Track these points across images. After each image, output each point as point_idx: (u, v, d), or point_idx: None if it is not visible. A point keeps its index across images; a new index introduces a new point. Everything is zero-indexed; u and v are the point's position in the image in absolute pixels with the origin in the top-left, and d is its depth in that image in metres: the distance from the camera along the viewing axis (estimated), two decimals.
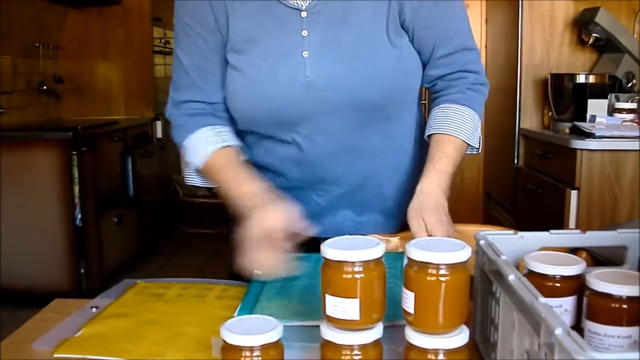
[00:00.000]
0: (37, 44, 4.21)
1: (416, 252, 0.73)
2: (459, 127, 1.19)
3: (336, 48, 1.15)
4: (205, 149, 1.20)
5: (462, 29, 1.23)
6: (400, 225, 1.32)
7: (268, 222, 1.05)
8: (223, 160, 1.20)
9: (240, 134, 1.28)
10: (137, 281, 1.21)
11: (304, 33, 1.15)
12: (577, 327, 0.80)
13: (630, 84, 2.92)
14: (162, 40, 5.14)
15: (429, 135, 1.22)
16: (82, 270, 3.56)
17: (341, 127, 1.19)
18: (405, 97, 1.23)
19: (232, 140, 1.23)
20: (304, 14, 1.15)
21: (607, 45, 3.06)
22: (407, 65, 1.20)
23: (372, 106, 1.18)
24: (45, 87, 4.31)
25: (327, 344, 0.76)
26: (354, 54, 1.15)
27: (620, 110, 2.79)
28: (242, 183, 1.16)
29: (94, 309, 1.09)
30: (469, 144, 1.22)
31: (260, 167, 1.28)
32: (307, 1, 1.15)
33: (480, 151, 1.27)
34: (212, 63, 1.21)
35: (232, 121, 1.26)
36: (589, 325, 0.77)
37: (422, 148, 1.29)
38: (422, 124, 1.32)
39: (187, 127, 1.23)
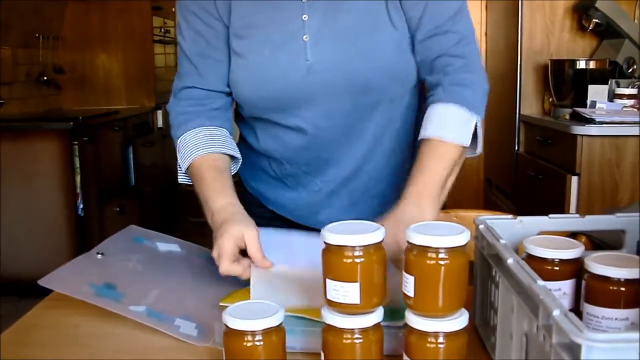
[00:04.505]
0: (37, 35, 4.20)
1: (416, 236, 0.73)
2: (444, 128, 1.12)
3: (336, 31, 1.14)
4: (191, 153, 1.19)
5: (449, 11, 1.14)
6: None
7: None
8: (205, 168, 1.18)
9: (247, 121, 1.29)
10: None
11: (305, 17, 1.14)
12: (576, 310, 0.81)
13: (630, 70, 2.92)
14: (162, 30, 5.12)
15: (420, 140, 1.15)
16: None
17: (344, 110, 1.19)
18: (407, 79, 1.20)
19: (219, 146, 1.20)
20: None
21: (607, 31, 3.05)
22: (408, 46, 1.17)
23: (373, 88, 1.17)
24: (45, 78, 4.31)
25: (328, 328, 0.77)
26: (353, 36, 1.14)
27: (621, 96, 2.79)
28: (217, 197, 1.15)
29: (99, 255, 1.10)
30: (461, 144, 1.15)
31: (266, 155, 1.29)
32: None
33: (479, 151, 1.21)
34: (214, 49, 1.20)
35: (229, 112, 1.26)
36: (587, 308, 0.78)
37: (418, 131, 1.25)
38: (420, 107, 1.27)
39: (180, 127, 1.22)
